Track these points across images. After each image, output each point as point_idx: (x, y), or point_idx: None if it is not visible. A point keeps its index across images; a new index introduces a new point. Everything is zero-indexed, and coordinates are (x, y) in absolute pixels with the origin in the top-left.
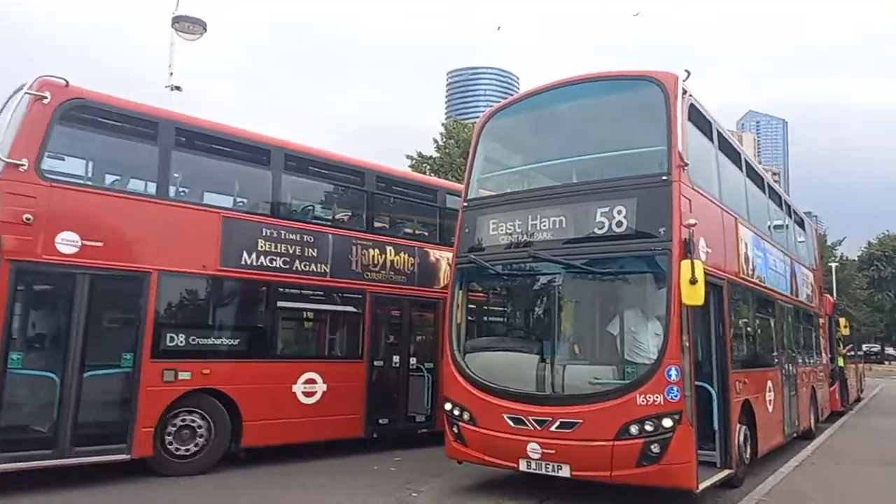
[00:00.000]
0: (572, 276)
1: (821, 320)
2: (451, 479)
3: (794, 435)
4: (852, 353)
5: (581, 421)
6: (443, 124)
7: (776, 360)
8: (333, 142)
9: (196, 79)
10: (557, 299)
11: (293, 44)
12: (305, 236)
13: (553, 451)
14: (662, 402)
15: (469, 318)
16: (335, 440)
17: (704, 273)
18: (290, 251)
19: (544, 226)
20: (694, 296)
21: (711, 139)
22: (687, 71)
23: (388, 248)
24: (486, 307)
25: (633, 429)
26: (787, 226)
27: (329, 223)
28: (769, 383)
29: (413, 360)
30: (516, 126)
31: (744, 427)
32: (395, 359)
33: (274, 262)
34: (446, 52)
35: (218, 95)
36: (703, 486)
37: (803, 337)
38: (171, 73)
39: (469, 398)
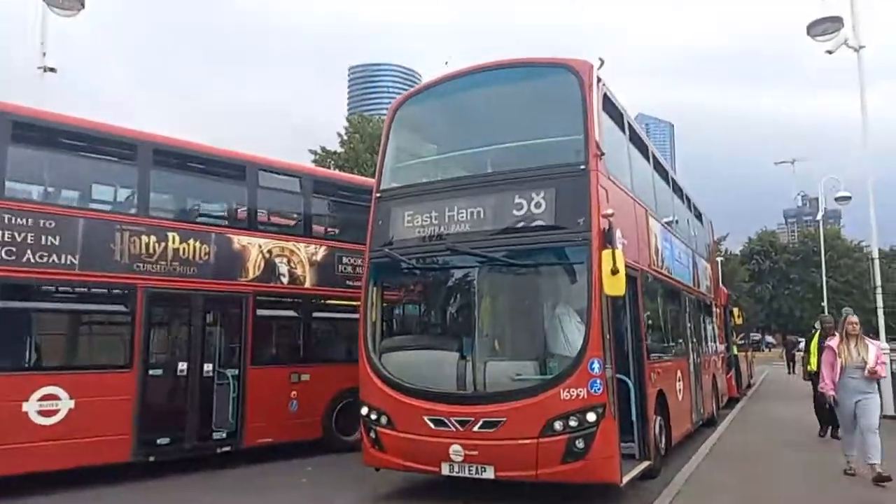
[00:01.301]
0: (491, 269)
1: (717, 310)
2: (369, 488)
3: (700, 422)
4: (743, 341)
5: (504, 419)
6: (347, 119)
7: (684, 351)
8: (230, 137)
9: (80, 61)
10: (476, 293)
11: (184, 30)
12: (42, 221)
13: (476, 453)
14: (586, 396)
15: (384, 316)
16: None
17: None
18: (18, 239)
19: (461, 217)
20: (615, 286)
21: (623, 130)
22: (601, 59)
23: (172, 236)
24: (401, 304)
25: (558, 425)
26: (688, 219)
27: (78, 205)
28: (679, 373)
29: (209, 368)
30: (429, 113)
31: (659, 418)
32: (182, 366)
33: None
34: (345, 45)
35: (101, 79)
36: (626, 479)
37: (705, 327)
38: (45, 54)
39: (386, 400)
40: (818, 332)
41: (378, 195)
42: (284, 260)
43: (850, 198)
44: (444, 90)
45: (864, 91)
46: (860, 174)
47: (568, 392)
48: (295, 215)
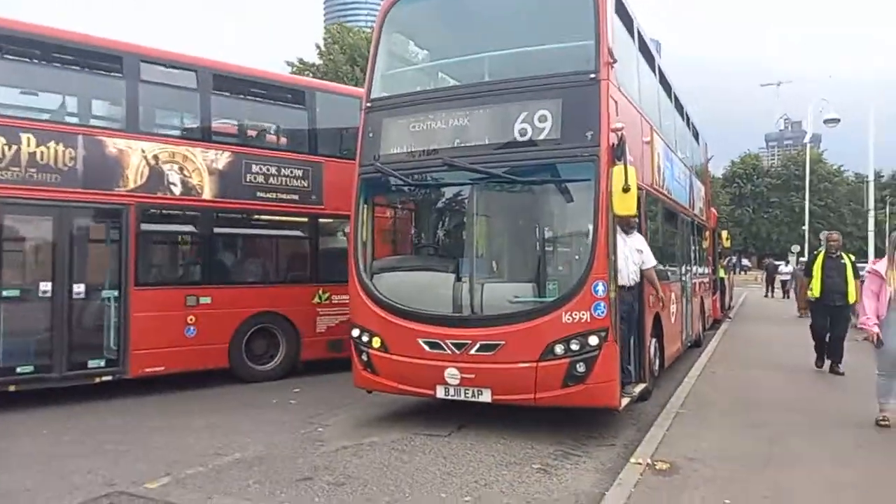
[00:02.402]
0: (489, 186)
1: (707, 233)
2: (359, 409)
3: (689, 344)
4: (732, 264)
5: (503, 343)
6: (326, 28)
7: (679, 273)
8: (210, 50)
9: None
10: (474, 212)
11: None
12: None
13: (473, 376)
14: (589, 319)
15: (375, 235)
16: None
17: None
18: None
19: (459, 129)
20: (626, 205)
21: (633, 37)
22: None
23: (26, 137)
24: (394, 222)
25: (559, 348)
26: (687, 137)
27: None
28: (673, 295)
29: (79, 289)
30: (425, 15)
31: (654, 340)
32: (45, 287)
33: None
34: None
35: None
36: (624, 402)
37: (696, 249)
38: None
39: (379, 323)
40: (821, 252)
41: (368, 105)
42: (176, 167)
43: (838, 120)
44: None
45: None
46: (846, 101)
47: (570, 315)
48: (190, 115)
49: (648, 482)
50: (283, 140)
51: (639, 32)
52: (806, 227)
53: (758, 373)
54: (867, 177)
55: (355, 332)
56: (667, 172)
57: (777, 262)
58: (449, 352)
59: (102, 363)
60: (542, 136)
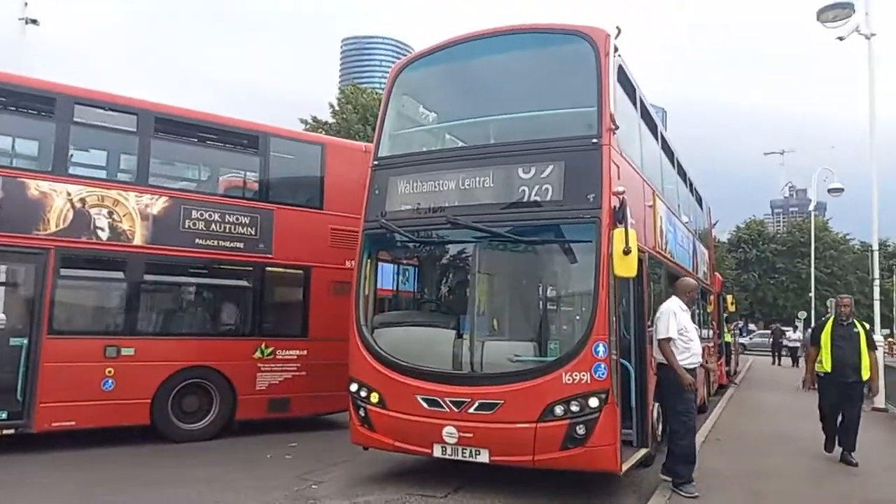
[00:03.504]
0: (492, 245)
1: (712, 297)
2: (355, 467)
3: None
4: (739, 330)
5: (502, 402)
6: (340, 89)
7: None
8: (223, 107)
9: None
10: (476, 269)
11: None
12: None
13: (471, 435)
14: (589, 381)
15: (378, 289)
16: None
17: None
18: None
19: (463, 189)
20: (627, 267)
21: (636, 105)
22: (618, 28)
23: None
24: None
25: (559, 409)
26: (690, 203)
27: None
28: None
29: None
30: (433, 78)
31: (657, 404)
32: None
33: None
34: (335, 17)
35: (85, 36)
36: (625, 467)
37: (701, 313)
38: (27, 4)
39: (378, 378)
40: (831, 317)
41: (375, 163)
42: (105, 211)
43: (842, 189)
44: (450, 55)
45: (873, 80)
46: (850, 168)
47: (570, 376)
48: (126, 158)
49: None
50: (231, 185)
51: (641, 100)
52: (812, 294)
53: (761, 443)
54: (871, 245)
55: (353, 387)
56: (669, 236)
57: (784, 328)
58: (447, 409)
59: (4, 415)
60: (544, 198)
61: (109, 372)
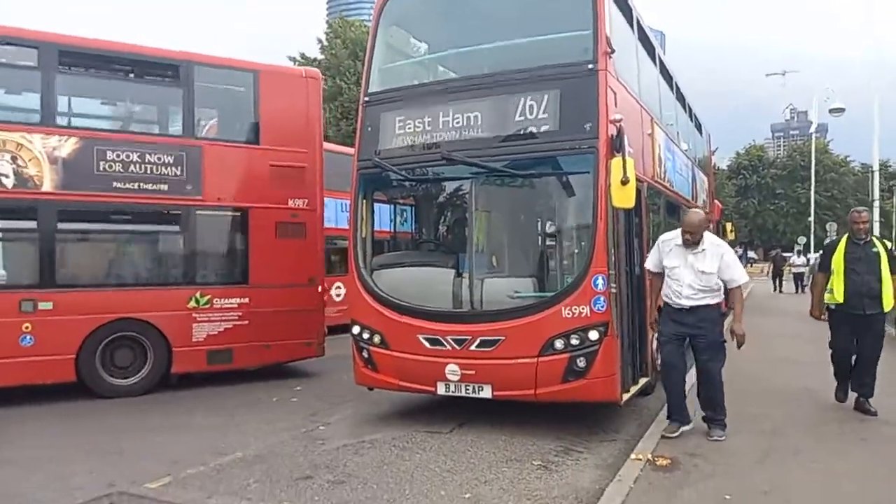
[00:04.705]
0: (489, 180)
1: (711, 225)
2: (360, 407)
3: None
4: (739, 256)
5: (503, 338)
6: (328, 23)
7: None
8: (214, 48)
9: None
10: (473, 206)
11: None
12: None
13: (473, 372)
14: (589, 314)
15: (375, 230)
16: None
17: None
18: None
19: (457, 123)
20: (625, 198)
21: (632, 27)
22: None
23: None
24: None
25: (559, 343)
26: (689, 129)
27: None
28: None
29: None
30: (422, 6)
31: (655, 333)
32: None
33: None
34: None
35: None
36: (625, 397)
37: None
38: None
39: (379, 320)
40: (845, 236)
41: (366, 100)
42: (8, 156)
43: (843, 109)
44: None
45: None
46: (851, 91)
47: (570, 310)
48: (28, 97)
49: (649, 478)
50: (150, 122)
51: (638, 23)
52: (812, 219)
53: (762, 366)
54: (871, 167)
55: (356, 330)
56: (668, 165)
57: (785, 254)
58: (449, 347)
59: None
60: (540, 129)
61: (27, 328)
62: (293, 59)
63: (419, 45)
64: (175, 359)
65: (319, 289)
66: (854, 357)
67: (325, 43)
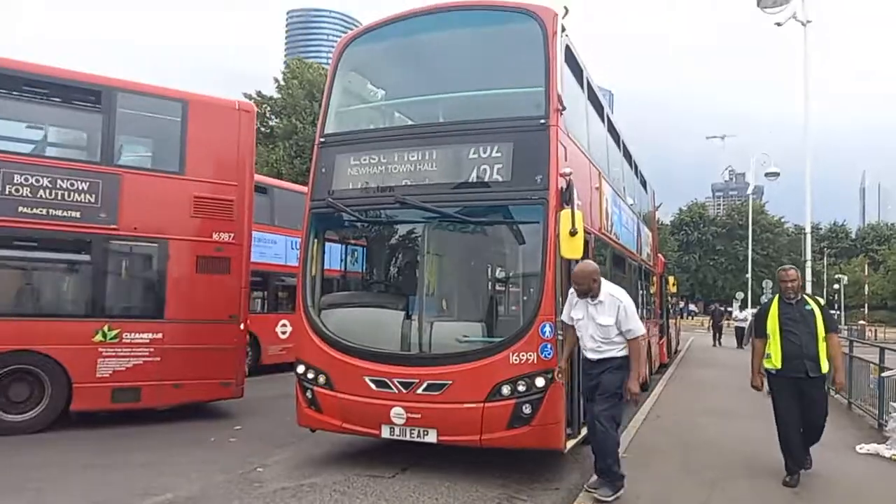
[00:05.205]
0: (440, 225)
1: (655, 278)
2: (301, 448)
3: None
4: (680, 309)
5: (450, 382)
6: (286, 63)
7: None
8: (173, 82)
9: None
10: (425, 250)
11: None
12: None
13: (419, 416)
14: (536, 361)
15: (325, 269)
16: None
17: None
18: None
19: (411, 168)
20: (573, 248)
21: (582, 86)
22: (566, 7)
23: None
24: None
25: (506, 389)
26: (635, 185)
27: None
28: None
29: None
30: (381, 54)
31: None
32: None
33: None
34: None
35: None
36: (569, 445)
37: (644, 294)
38: None
39: (325, 360)
40: (776, 297)
41: (322, 140)
42: None
43: (778, 174)
44: (397, 30)
45: (808, 66)
46: (787, 154)
47: (517, 356)
48: None
49: None
50: (67, 146)
51: (588, 82)
52: (749, 275)
53: (700, 419)
54: (804, 228)
55: (300, 369)
56: (615, 218)
57: (724, 309)
58: (396, 390)
59: None
60: (493, 178)
61: None
62: (248, 97)
63: (377, 90)
64: (76, 395)
65: (241, 326)
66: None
67: (282, 83)
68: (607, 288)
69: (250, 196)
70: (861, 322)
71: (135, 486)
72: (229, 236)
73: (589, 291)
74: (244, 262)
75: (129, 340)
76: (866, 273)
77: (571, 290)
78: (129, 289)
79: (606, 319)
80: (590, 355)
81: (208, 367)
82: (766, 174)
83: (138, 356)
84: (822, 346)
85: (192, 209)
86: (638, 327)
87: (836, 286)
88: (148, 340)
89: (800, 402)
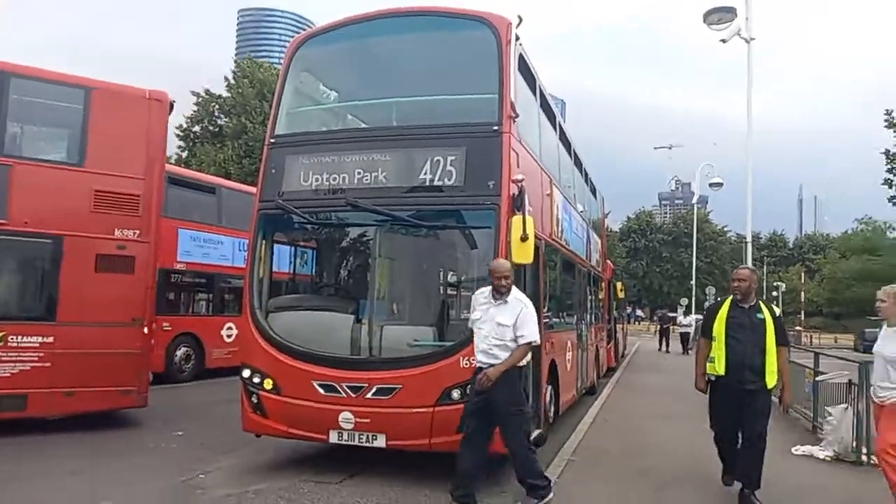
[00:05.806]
0: (392, 229)
1: (603, 284)
2: (246, 455)
3: (584, 391)
4: (627, 315)
5: (400, 386)
6: (236, 62)
7: (575, 322)
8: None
9: None
10: (376, 253)
11: None
12: None
13: (368, 421)
14: None
15: (273, 272)
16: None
17: None
18: None
19: (364, 171)
20: (524, 253)
21: (535, 94)
22: (519, 16)
23: None
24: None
25: (455, 393)
26: (585, 192)
27: None
28: (569, 343)
29: None
30: (334, 56)
31: (550, 387)
32: None
33: None
34: None
35: None
36: None
37: (592, 299)
38: None
39: (271, 364)
40: (730, 299)
41: (272, 141)
42: None
43: (722, 184)
44: (351, 32)
45: (751, 83)
46: (730, 164)
47: (468, 360)
48: None
49: None
50: None
51: (541, 90)
52: (693, 282)
53: (647, 422)
54: (745, 238)
55: (246, 373)
56: (565, 224)
57: (671, 314)
58: (344, 395)
59: None
60: (445, 183)
61: None
62: (196, 94)
63: (329, 92)
64: None
65: (146, 330)
66: (738, 438)
67: (232, 81)
68: (516, 293)
69: (160, 191)
70: (798, 328)
71: (70, 496)
72: (134, 233)
73: (502, 288)
74: (150, 260)
75: (14, 344)
76: (803, 281)
77: (474, 294)
78: (17, 288)
79: (507, 319)
80: (480, 357)
81: (107, 373)
82: (711, 184)
83: (25, 361)
84: (770, 359)
85: (93, 204)
86: (532, 334)
87: (774, 293)
88: (37, 344)
89: (739, 412)
